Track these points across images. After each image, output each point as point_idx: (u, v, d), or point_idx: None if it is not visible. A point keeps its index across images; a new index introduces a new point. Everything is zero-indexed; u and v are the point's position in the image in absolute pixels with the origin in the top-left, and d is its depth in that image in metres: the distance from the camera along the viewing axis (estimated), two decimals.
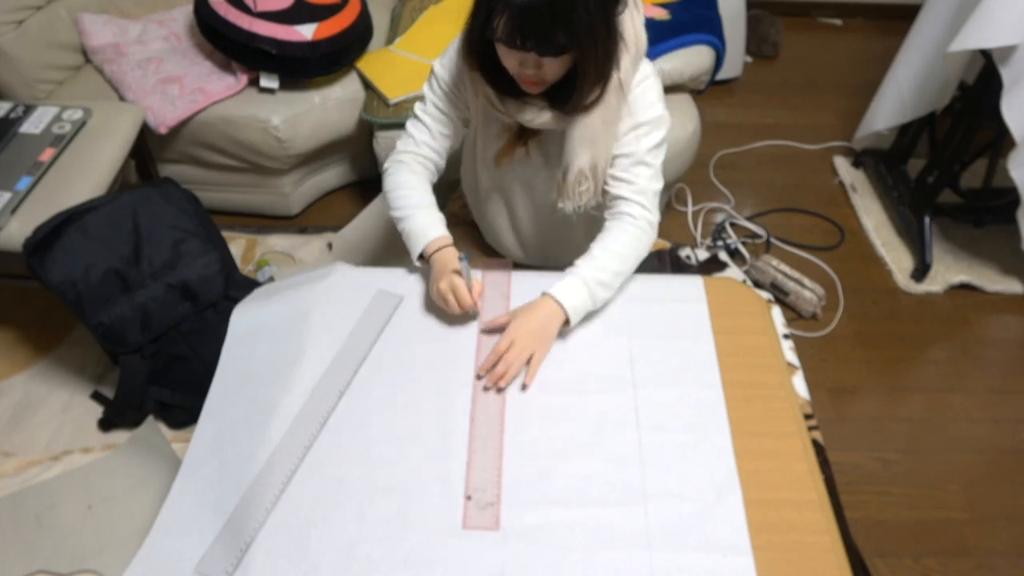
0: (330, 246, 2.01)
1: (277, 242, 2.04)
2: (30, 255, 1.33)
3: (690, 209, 2.20)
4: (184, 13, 2.07)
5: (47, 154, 1.55)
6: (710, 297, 1.13)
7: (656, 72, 1.11)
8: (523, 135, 1.17)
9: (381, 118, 1.85)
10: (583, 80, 1.00)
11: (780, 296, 1.92)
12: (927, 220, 2.00)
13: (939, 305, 1.96)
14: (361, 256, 1.95)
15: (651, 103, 1.09)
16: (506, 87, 1.05)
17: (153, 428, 1.51)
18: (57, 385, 1.64)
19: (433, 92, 1.18)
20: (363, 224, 2.03)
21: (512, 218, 1.33)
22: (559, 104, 1.05)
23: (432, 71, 1.18)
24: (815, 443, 0.97)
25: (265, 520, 0.88)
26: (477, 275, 1.13)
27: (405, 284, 1.16)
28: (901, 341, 1.87)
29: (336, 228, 2.04)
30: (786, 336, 1.11)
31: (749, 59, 2.87)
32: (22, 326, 1.77)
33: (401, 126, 1.80)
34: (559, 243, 1.34)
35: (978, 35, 1.66)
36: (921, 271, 1.99)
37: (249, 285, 1.39)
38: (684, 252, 2.02)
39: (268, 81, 1.89)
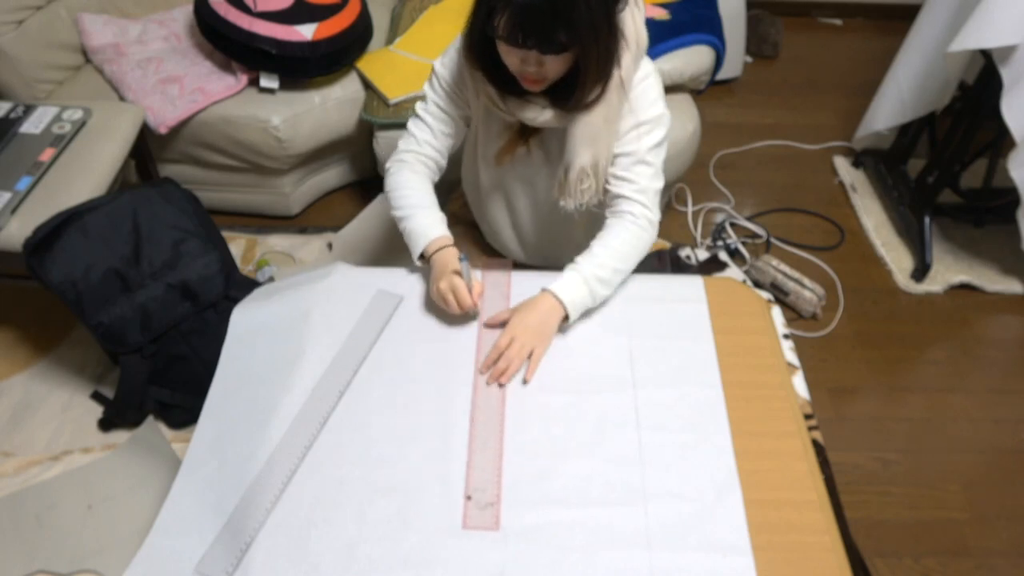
0: (330, 246, 2.01)
1: (277, 242, 2.04)
2: (30, 255, 1.32)
3: (690, 209, 2.20)
4: (184, 13, 2.07)
5: (47, 154, 1.55)
6: (710, 297, 1.13)
7: (656, 70, 1.12)
8: (524, 133, 1.17)
9: (381, 118, 1.85)
10: (585, 78, 1.00)
11: (780, 296, 1.92)
12: (927, 220, 2.00)
13: (939, 305, 1.96)
14: (361, 256, 1.95)
15: (652, 101, 1.10)
16: (507, 85, 1.05)
17: (153, 428, 1.51)
18: (57, 385, 1.64)
19: (434, 91, 1.18)
20: (363, 224, 2.03)
21: (513, 217, 1.34)
22: (560, 102, 1.05)
23: (433, 70, 1.18)
24: (815, 443, 0.97)
25: (265, 520, 0.88)
26: (477, 275, 1.13)
27: (405, 284, 1.16)
28: (901, 341, 1.87)
29: (336, 228, 2.04)
30: (786, 336, 1.11)
31: (749, 59, 2.87)
32: (22, 326, 1.77)
33: (401, 126, 1.80)
34: (559, 242, 1.34)
35: (978, 35, 1.66)
36: (921, 271, 1.99)
37: (249, 285, 1.39)
38: (684, 252, 2.02)
39: (268, 81, 1.89)
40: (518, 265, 1.40)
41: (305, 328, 1.09)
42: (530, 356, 1.04)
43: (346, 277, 1.17)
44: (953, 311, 1.94)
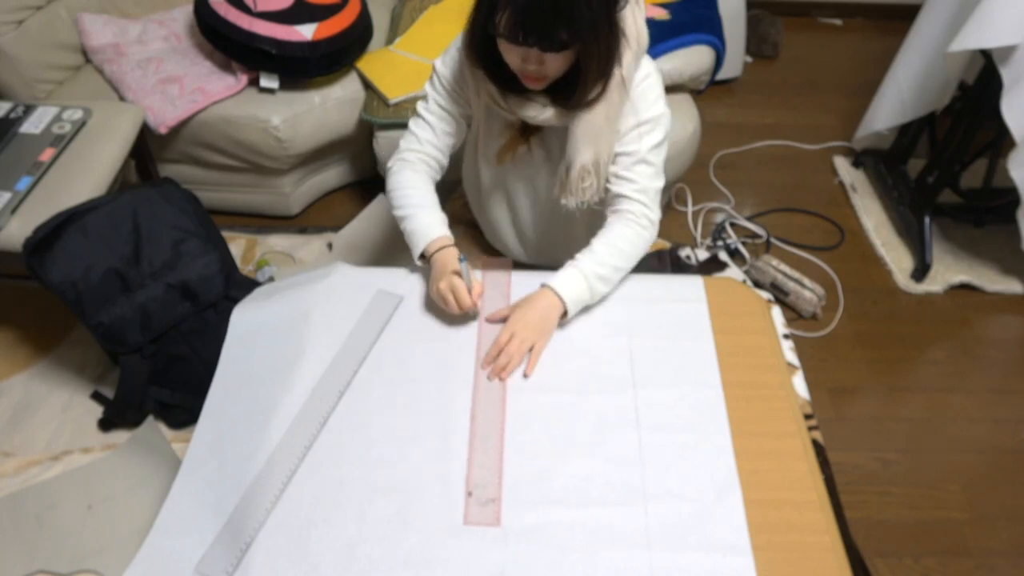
0: (330, 246, 2.01)
1: (277, 242, 2.04)
2: (30, 255, 1.32)
3: (690, 209, 2.20)
4: (184, 13, 2.07)
5: (47, 154, 1.55)
6: (710, 297, 1.13)
7: (657, 70, 1.12)
8: (525, 132, 1.17)
9: (381, 118, 1.85)
10: (586, 76, 1.00)
11: (780, 296, 1.92)
12: (927, 220, 2.00)
13: (939, 305, 1.96)
14: (361, 256, 1.95)
15: (653, 101, 1.10)
16: (508, 84, 1.06)
17: (153, 428, 1.51)
18: (57, 385, 1.64)
19: (435, 90, 1.19)
20: (363, 224, 2.04)
21: (513, 216, 1.34)
22: (562, 100, 1.06)
23: (434, 69, 1.18)
24: (815, 443, 0.97)
25: (265, 520, 0.88)
26: (477, 276, 1.13)
27: (405, 284, 1.16)
28: (901, 341, 1.87)
29: (336, 228, 2.04)
30: (786, 336, 1.11)
31: (749, 59, 2.87)
32: (22, 326, 1.77)
33: (401, 126, 1.81)
34: (560, 242, 1.34)
35: (978, 35, 1.66)
36: (921, 271, 1.99)
37: (249, 285, 1.39)
38: (684, 252, 2.02)
39: (268, 81, 1.89)
40: (518, 265, 1.40)
41: (305, 328, 1.09)
42: (530, 351, 1.04)
43: (346, 277, 1.17)
44: (953, 311, 1.94)
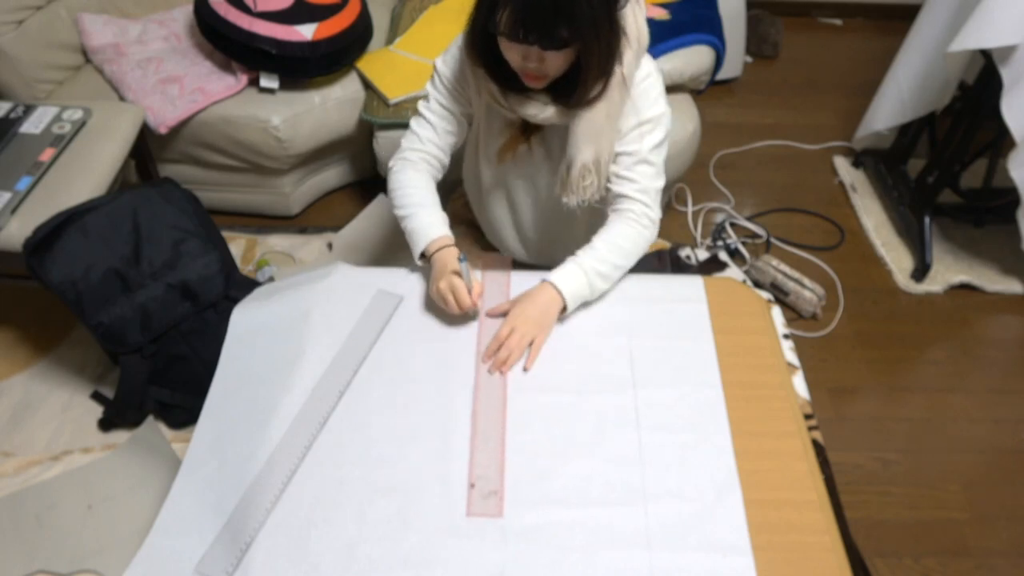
0: (330, 246, 2.01)
1: (277, 242, 2.04)
2: (30, 255, 1.32)
3: (690, 209, 2.20)
4: (184, 13, 2.07)
5: (47, 154, 1.55)
6: (710, 297, 1.13)
7: (658, 69, 1.12)
8: (526, 131, 1.17)
9: (381, 118, 1.85)
10: (586, 74, 1.01)
11: (780, 296, 1.92)
12: (927, 220, 2.00)
13: (939, 305, 1.96)
14: (361, 256, 1.95)
15: (654, 100, 1.10)
16: (509, 82, 1.06)
17: (153, 428, 1.51)
18: (57, 385, 1.64)
19: (436, 89, 1.19)
20: (363, 224, 2.04)
21: (514, 215, 1.34)
22: (562, 99, 1.06)
23: (435, 68, 1.18)
24: (815, 443, 0.97)
25: (265, 520, 0.88)
26: (477, 275, 1.13)
27: (405, 284, 1.16)
28: (901, 341, 1.87)
29: (336, 228, 2.04)
30: (786, 336, 1.11)
31: (749, 59, 2.87)
32: (22, 326, 1.77)
33: (401, 126, 1.81)
34: (560, 241, 1.34)
35: (978, 35, 1.66)
36: (921, 271, 1.99)
37: (249, 285, 1.39)
38: (684, 252, 2.02)
39: (268, 81, 1.89)
40: (519, 264, 1.40)
41: (305, 328, 1.09)
42: (530, 345, 1.05)
43: (346, 277, 1.17)
44: (953, 311, 1.94)
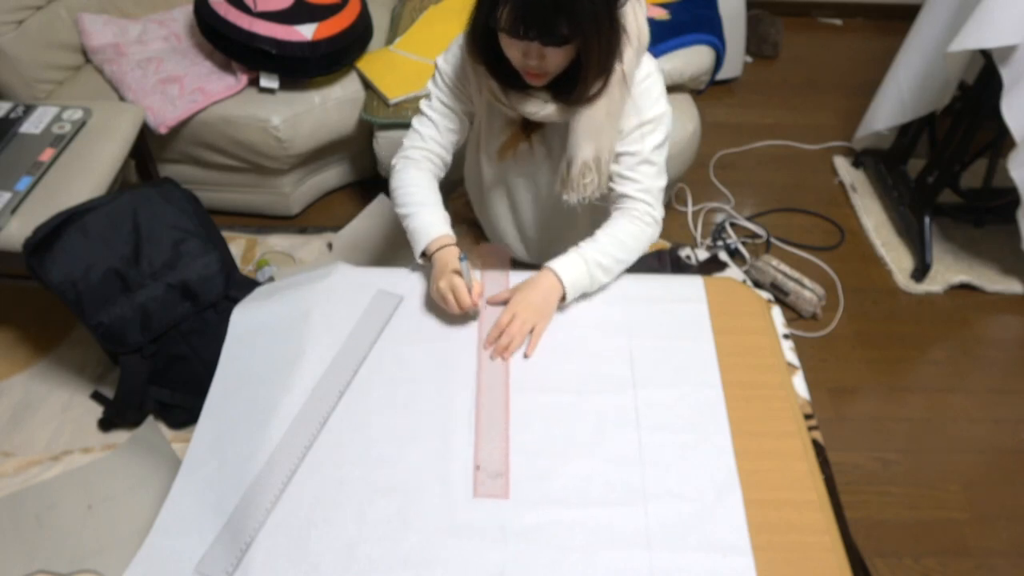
0: (330, 246, 2.01)
1: (277, 242, 2.04)
2: (30, 255, 1.32)
3: (690, 209, 2.20)
4: (184, 13, 2.07)
5: (47, 154, 1.55)
6: (710, 297, 1.13)
7: (659, 68, 1.12)
8: (526, 129, 1.18)
9: (381, 118, 1.85)
10: (587, 71, 1.01)
11: (780, 296, 1.92)
12: (927, 220, 2.00)
13: (939, 305, 1.96)
14: (361, 256, 1.95)
15: (655, 99, 1.10)
16: (510, 80, 1.06)
17: (153, 428, 1.51)
18: (57, 385, 1.64)
19: (438, 88, 1.19)
20: (363, 224, 2.04)
21: (515, 214, 1.34)
22: (562, 96, 1.06)
23: (436, 66, 1.18)
24: (815, 443, 0.97)
25: (265, 520, 0.88)
26: (477, 275, 1.13)
27: (405, 284, 1.16)
28: (901, 341, 1.87)
29: (336, 228, 2.04)
30: (786, 336, 1.11)
31: (749, 59, 2.87)
32: (22, 326, 1.77)
33: (401, 126, 1.81)
34: (561, 240, 1.34)
35: (978, 35, 1.66)
36: (921, 271, 1.99)
37: (249, 285, 1.39)
38: (684, 252, 2.02)
39: (268, 81, 1.89)
40: (520, 264, 1.40)
41: (305, 328, 1.09)
42: (531, 332, 1.05)
43: (346, 277, 1.17)
44: (953, 311, 1.94)
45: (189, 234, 1.42)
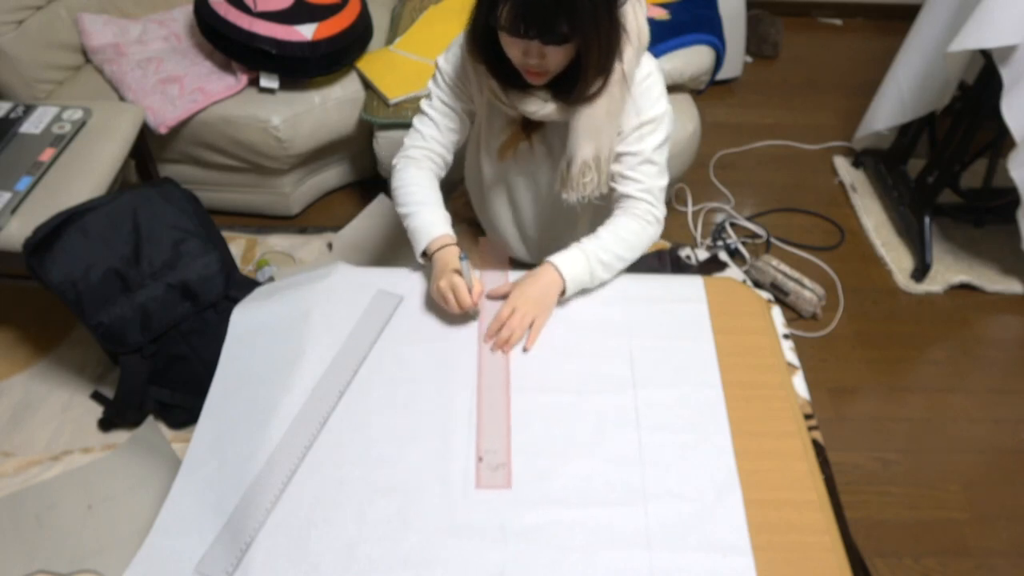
0: (330, 246, 2.01)
1: (277, 242, 2.04)
2: (30, 255, 1.32)
3: (690, 209, 2.20)
4: (184, 13, 2.07)
5: (47, 154, 1.55)
6: (710, 297, 1.13)
7: (659, 67, 1.12)
8: (527, 128, 1.18)
9: (381, 118, 1.85)
10: (586, 70, 1.01)
11: (780, 296, 1.92)
12: (927, 220, 2.00)
13: (939, 305, 1.96)
14: (361, 256, 1.95)
15: (656, 99, 1.11)
16: (510, 79, 1.06)
17: (153, 428, 1.51)
18: (57, 385, 1.64)
19: (438, 87, 1.19)
20: (363, 224, 2.04)
21: (515, 213, 1.34)
22: (562, 95, 1.06)
23: (437, 66, 1.18)
24: (815, 443, 0.97)
25: (265, 520, 0.88)
26: (477, 275, 1.13)
27: (405, 284, 1.16)
28: (901, 341, 1.87)
29: (336, 228, 2.04)
30: (786, 336, 1.11)
31: (749, 59, 2.87)
32: (22, 326, 1.77)
33: (401, 126, 1.81)
34: (561, 240, 1.33)
35: (978, 35, 1.66)
36: (921, 271, 1.99)
37: (249, 285, 1.39)
38: (684, 252, 2.02)
39: (268, 81, 1.89)
40: (520, 264, 1.40)
41: (305, 328, 1.09)
42: (531, 326, 1.06)
43: (346, 277, 1.17)
44: (953, 311, 1.94)
45: (189, 234, 1.42)
